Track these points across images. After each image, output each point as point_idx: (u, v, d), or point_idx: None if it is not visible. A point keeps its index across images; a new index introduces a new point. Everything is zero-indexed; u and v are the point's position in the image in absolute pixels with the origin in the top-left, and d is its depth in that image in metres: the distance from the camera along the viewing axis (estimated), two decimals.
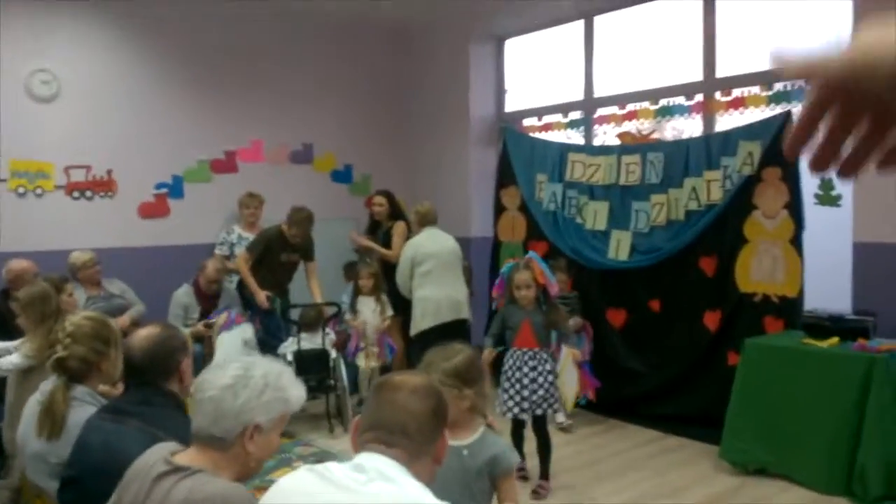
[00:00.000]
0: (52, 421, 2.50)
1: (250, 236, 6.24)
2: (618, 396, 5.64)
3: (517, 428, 4.30)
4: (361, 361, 5.75)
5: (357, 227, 7.26)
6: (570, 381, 4.97)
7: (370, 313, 5.81)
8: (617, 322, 5.85)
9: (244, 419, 1.81)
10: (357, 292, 5.90)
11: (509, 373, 4.24)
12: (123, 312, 5.51)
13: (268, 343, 5.59)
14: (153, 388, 2.35)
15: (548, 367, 4.23)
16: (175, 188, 6.74)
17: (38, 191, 6.10)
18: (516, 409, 4.19)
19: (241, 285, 5.94)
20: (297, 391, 1.93)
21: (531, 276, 4.23)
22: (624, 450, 5.02)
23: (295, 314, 5.91)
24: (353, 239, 6.82)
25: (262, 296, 5.72)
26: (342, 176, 7.72)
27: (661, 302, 5.59)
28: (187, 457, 1.82)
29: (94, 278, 5.60)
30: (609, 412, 5.66)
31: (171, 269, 6.16)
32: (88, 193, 6.31)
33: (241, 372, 1.86)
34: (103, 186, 6.38)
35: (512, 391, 4.21)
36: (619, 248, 5.80)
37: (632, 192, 5.77)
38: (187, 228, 6.67)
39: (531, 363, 4.20)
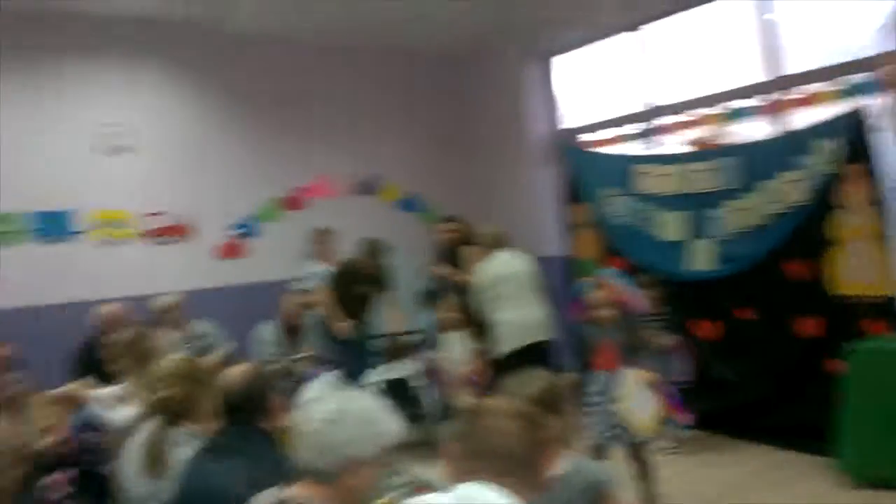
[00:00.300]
0: (155, 462, 2.56)
1: (325, 270, 6.33)
2: (715, 411, 5.44)
3: (601, 455, 3.98)
4: (450, 397, 5.47)
5: (427, 255, 7.28)
6: (642, 404, 4.30)
7: (456, 349, 5.58)
8: (703, 334, 5.68)
9: (347, 453, 1.81)
10: (441, 328, 5.70)
11: (593, 398, 4.06)
12: (210, 353, 5.63)
13: (352, 375, 5.62)
14: (250, 426, 2.38)
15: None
16: (250, 228, 6.90)
17: (121, 239, 6.32)
18: (607, 434, 3.96)
19: (321, 319, 6.00)
20: (396, 424, 1.93)
21: (606, 295, 4.11)
22: (732, 469, 4.80)
23: (378, 345, 5.93)
24: (435, 272, 6.55)
25: (341, 325, 5.75)
26: (409, 205, 7.78)
27: (751, 310, 5.40)
28: (295, 492, 1.83)
29: (179, 321, 5.74)
30: (707, 427, 5.44)
31: (253, 307, 6.28)
32: (169, 239, 6.51)
33: (343, 406, 1.87)
34: (181, 231, 6.58)
35: (598, 417, 4.00)
36: (699, 258, 5.66)
37: (706, 199, 5.63)
38: (265, 266, 6.81)
39: (615, 385, 4.02)
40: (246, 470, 2.11)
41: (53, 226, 6.04)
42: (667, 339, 5.12)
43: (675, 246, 5.84)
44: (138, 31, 6.34)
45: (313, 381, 5.33)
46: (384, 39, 7.19)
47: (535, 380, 2.38)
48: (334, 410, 1.86)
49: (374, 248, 5.89)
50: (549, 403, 2.29)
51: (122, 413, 3.53)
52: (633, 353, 4.14)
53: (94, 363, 4.66)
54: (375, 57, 7.54)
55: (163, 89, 6.61)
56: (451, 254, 6.57)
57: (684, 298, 5.71)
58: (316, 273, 6.46)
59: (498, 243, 5.83)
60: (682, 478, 4.66)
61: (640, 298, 4.21)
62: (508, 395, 2.30)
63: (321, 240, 6.65)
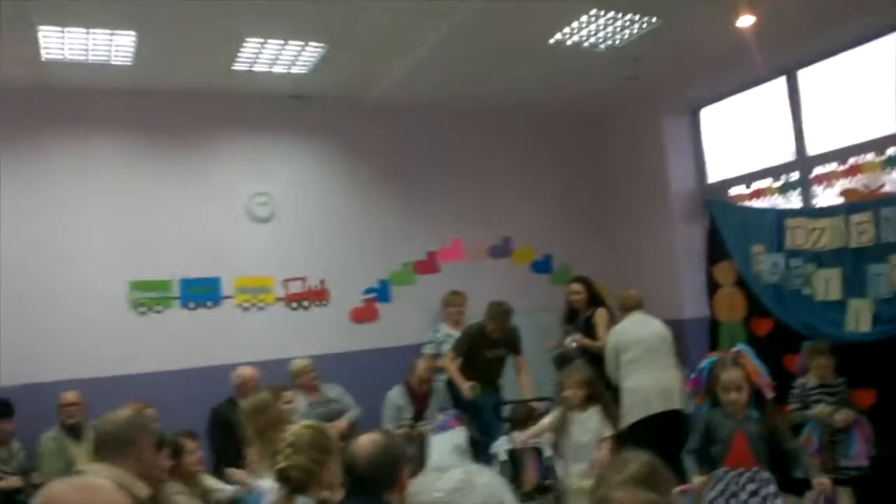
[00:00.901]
0: None
1: (457, 334, 6.27)
2: (873, 485, 4.85)
3: None
4: (571, 481, 4.76)
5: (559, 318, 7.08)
6: None
7: (580, 431, 4.66)
8: (865, 401, 5.12)
9: None
10: (565, 406, 4.74)
11: (721, 500, 3.45)
12: (341, 416, 5.65)
13: (479, 442, 5.45)
14: (375, 499, 2.29)
15: (771, 489, 3.43)
16: (382, 292, 6.97)
17: (261, 304, 6.53)
18: None
19: (450, 383, 5.91)
20: (512, 499, 1.80)
21: (742, 374, 3.51)
22: None
23: (507, 412, 5.76)
24: (578, 341, 6.09)
25: (465, 385, 5.64)
26: (542, 266, 7.63)
27: None
28: None
29: (312, 384, 5.81)
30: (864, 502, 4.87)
31: (384, 371, 6.29)
32: (305, 303, 6.68)
33: (466, 477, 1.76)
34: (318, 296, 6.73)
35: None
36: (860, 319, 5.14)
37: (866, 254, 5.14)
38: (396, 330, 6.83)
39: (750, 486, 3.41)
40: None
41: (201, 292, 6.34)
42: (841, 416, 4.51)
43: (832, 306, 5.35)
44: (285, 107, 6.66)
45: (440, 438, 5.23)
46: (520, 100, 7.19)
47: (626, 461, 1.96)
48: (461, 480, 1.75)
49: (499, 312, 5.76)
50: (647, 483, 1.81)
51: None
52: (770, 445, 3.52)
53: (228, 425, 4.75)
54: (510, 118, 7.55)
55: (303, 160, 6.88)
56: (578, 316, 6.34)
57: (843, 363, 5.19)
58: (447, 336, 6.41)
59: (629, 305, 5.62)
60: None
61: (767, 382, 3.60)
62: (598, 485, 1.98)
63: (452, 303, 6.61)
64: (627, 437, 4.81)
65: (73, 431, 5.22)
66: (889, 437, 4.89)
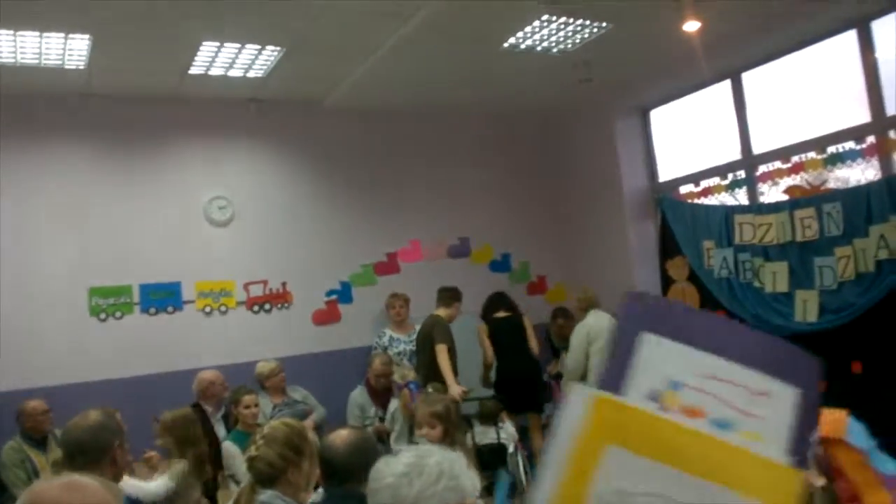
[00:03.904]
0: None
1: (400, 336, 6.42)
2: None
3: None
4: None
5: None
6: None
7: None
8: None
9: None
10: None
11: None
12: (307, 417, 5.68)
13: None
14: (352, 492, 2.35)
15: None
16: (344, 294, 7.01)
17: (223, 308, 6.52)
18: None
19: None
20: (471, 480, 1.87)
21: None
22: None
23: (475, 407, 5.83)
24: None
25: (457, 389, 5.57)
26: (501, 265, 7.75)
27: (863, 363, 5.07)
28: None
29: (278, 386, 5.84)
30: None
31: (347, 371, 6.35)
32: (267, 306, 6.69)
33: (416, 460, 1.82)
34: (280, 298, 6.74)
35: None
36: (807, 309, 5.37)
37: (811, 247, 5.39)
38: (358, 331, 6.87)
39: None
40: None
41: (162, 297, 6.30)
42: None
43: (780, 298, 5.58)
44: (242, 110, 6.66)
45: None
46: (476, 102, 7.29)
47: None
48: (410, 464, 1.81)
49: (459, 293, 5.91)
50: None
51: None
52: None
53: None
54: (467, 120, 7.65)
55: (262, 163, 6.89)
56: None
57: None
58: (391, 340, 6.51)
59: (589, 304, 5.81)
60: None
61: None
62: None
63: (394, 305, 6.65)
64: None
65: (37, 440, 5.10)
66: None
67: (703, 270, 6.24)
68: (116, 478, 2.72)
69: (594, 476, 0.96)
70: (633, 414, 0.96)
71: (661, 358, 0.97)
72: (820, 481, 1.00)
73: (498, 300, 6.45)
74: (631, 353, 0.99)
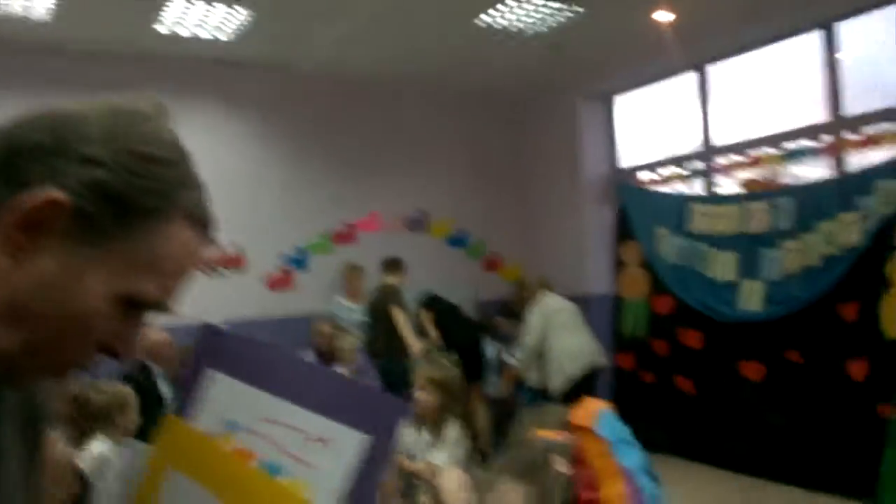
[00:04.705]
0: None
1: (354, 306, 6.51)
2: (759, 453, 5.31)
3: None
4: None
5: (475, 292, 7.35)
6: None
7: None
8: (753, 375, 5.54)
9: None
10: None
11: None
12: None
13: None
14: None
15: None
16: (300, 261, 6.98)
17: None
18: None
19: (390, 353, 5.90)
20: None
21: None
22: None
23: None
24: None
25: (418, 345, 5.73)
26: (458, 241, 7.80)
27: (801, 352, 5.26)
28: None
29: None
30: (750, 471, 5.31)
31: (299, 338, 6.33)
32: (221, 269, 6.62)
33: None
34: (234, 262, 6.68)
35: None
36: (752, 299, 5.54)
37: (760, 239, 5.54)
38: (312, 298, 6.86)
39: None
40: None
41: None
42: None
43: (727, 286, 5.74)
44: (201, 71, 6.55)
45: None
46: (445, 76, 7.28)
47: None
48: None
49: (399, 265, 6.12)
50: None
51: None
52: None
53: (140, 391, 4.70)
54: (431, 96, 7.63)
55: (225, 125, 6.77)
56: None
57: (735, 339, 5.60)
58: (343, 308, 6.59)
59: (545, 286, 5.89)
60: None
61: None
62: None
63: (350, 276, 6.72)
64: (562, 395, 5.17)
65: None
66: (775, 408, 5.32)
67: (655, 256, 6.37)
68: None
69: (156, 500, 0.93)
70: (198, 439, 0.93)
71: (225, 398, 0.92)
72: (563, 468, 1.02)
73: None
74: (198, 391, 0.94)
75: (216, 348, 0.96)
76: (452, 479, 1.91)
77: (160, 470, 0.93)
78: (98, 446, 3.18)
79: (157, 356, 5.31)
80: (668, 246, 6.22)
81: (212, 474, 0.90)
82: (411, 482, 3.13)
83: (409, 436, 3.30)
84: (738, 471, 5.39)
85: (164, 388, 5.03)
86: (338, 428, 0.85)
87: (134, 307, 0.76)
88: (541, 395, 5.54)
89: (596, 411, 1.04)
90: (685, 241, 6.08)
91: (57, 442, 1.89)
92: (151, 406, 4.22)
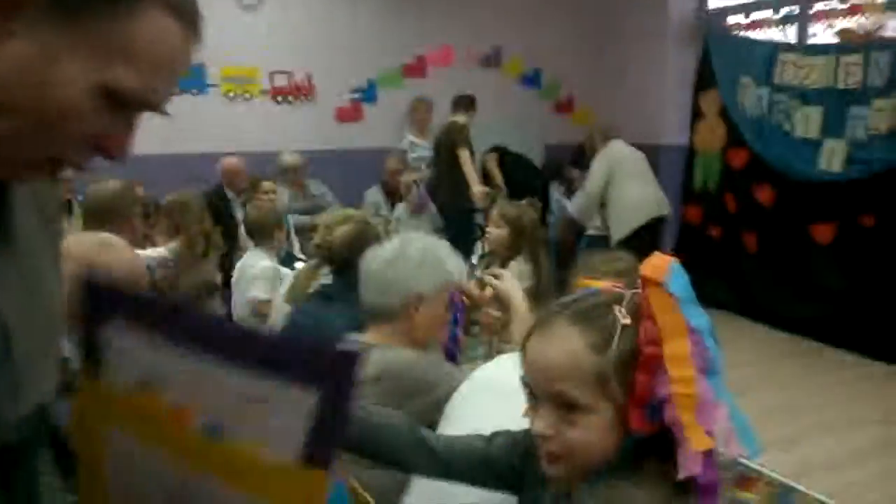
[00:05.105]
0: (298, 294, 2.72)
1: (422, 142, 6.46)
2: (818, 317, 5.28)
3: None
4: None
5: (544, 134, 7.24)
6: None
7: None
8: (822, 238, 5.41)
9: (405, 289, 1.87)
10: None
11: None
12: (321, 212, 5.82)
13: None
14: (353, 276, 2.47)
15: None
16: (369, 93, 6.94)
17: (246, 95, 6.50)
18: None
19: (452, 196, 5.85)
20: (455, 262, 1.97)
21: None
22: (824, 377, 4.70)
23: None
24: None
25: (480, 188, 5.68)
26: (531, 80, 7.59)
27: (875, 217, 5.07)
28: (365, 337, 1.92)
29: (299, 179, 5.94)
30: (808, 333, 5.32)
31: (364, 171, 6.42)
32: (291, 98, 6.65)
33: (400, 246, 1.92)
34: (304, 91, 6.69)
35: None
36: (833, 158, 5.31)
37: (851, 96, 5.21)
38: (380, 132, 6.88)
39: None
40: (347, 315, 2.19)
41: (186, 78, 6.23)
42: None
43: (808, 144, 5.49)
44: None
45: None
46: None
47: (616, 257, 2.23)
48: (395, 249, 1.92)
49: (470, 103, 5.90)
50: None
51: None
52: None
53: (217, 211, 4.90)
54: None
55: None
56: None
57: (808, 199, 5.44)
58: (411, 144, 6.57)
59: (611, 134, 5.70)
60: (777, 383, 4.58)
61: None
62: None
63: (418, 109, 6.65)
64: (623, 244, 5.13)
65: (63, 206, 5.30)
66: (848, 270, 5.22)
67: (736, 107, 6.09)
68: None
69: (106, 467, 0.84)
70: (124, 400, 0.82)
71: (138, 356, 0.81)
72: (626, 320, 0.98)
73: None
74: (102, 351, 0.82)
75: (112, 303, 0.84)
76: (515, 284, 1.99)
77: (96, 431, 0.84)
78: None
79: (232, 181, 5.51)
80: (751, 97, 5.93)
81: (152, 435, 0.80)
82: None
83: (479, 269, 3.44)
84: (796, 332, 5.40)
85: (238, 211, 5.24)
86: (277, 386, 0.74)
87: (117, 102, 0.75)
88: (601, 243, 5.54)
89: (668, 266, 0.98)
90: (770, 92, 5.78)
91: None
92: (227, 225, 4.51)
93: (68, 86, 0.71)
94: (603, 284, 1.09)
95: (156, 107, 0.80)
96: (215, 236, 3.99)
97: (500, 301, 2.01)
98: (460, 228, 5.67)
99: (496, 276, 2.01)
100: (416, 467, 1.32)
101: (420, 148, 6.52)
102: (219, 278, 3.99)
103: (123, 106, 0.77)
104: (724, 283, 5.93)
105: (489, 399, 1.63)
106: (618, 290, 1.06)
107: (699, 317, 0.98)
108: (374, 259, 1.93)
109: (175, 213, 3.93)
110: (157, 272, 3.25)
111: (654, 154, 5.89)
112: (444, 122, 6.21)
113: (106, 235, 1.96)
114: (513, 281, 1.99)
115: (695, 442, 0.93)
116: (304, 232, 5.23)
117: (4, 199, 0.84)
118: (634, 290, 1.02)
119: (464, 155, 5.76)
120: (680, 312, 0.96)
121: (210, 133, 6.22)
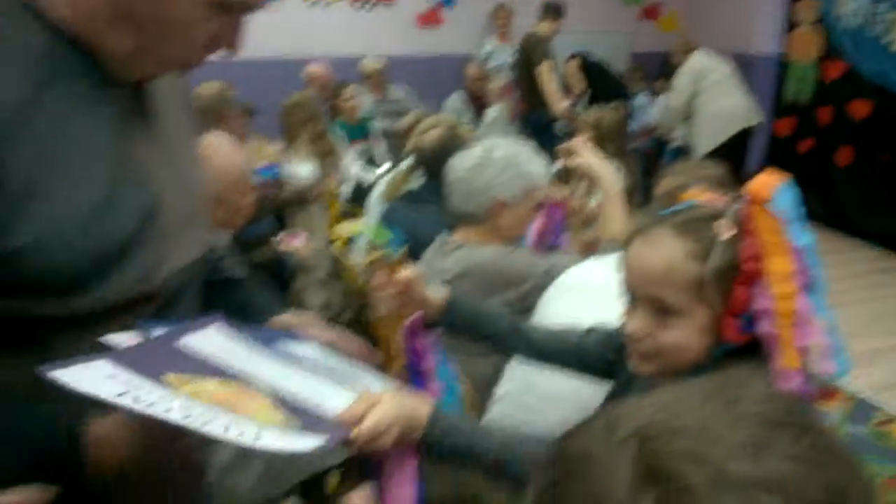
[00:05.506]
0: (392, 193, 2.85)
1: (504, 47, 6.35)
2: None
3: None
4: None
5: (630, 42, 7.03)
6: None
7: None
8: None
9: (491, 195, 1.92)
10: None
11: None
12: (404, 115, 5.85)
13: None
14: (439, 185, 2.54)
15: None
16: None
17: (326, 1, 6.49)
18: None
19: (534, 105, 5.72)
20: (537, 166, 2.00)
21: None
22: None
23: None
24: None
25: (562, 105, 5.54)
26: None
27: None
28: (455, 237, 2.00)
29: (381, 84, 5.96)
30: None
31: (444, 77, 6.40)
32: (371, 3, 6.60)
33: (484, 153, 1.96)
34: None
35: None
36: None
37: None
38: (459, 38, 6.80)
39: None
40: (437, 216, 2.27)
41: None
42: None
43: None
44: None
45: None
46: None
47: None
48: (478, 156, 1.96)
49: (556, 12, 5.64)
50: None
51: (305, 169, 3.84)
52: None
53: None
54: None
55: None
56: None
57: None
58: (492, 51, 6.47)
59: (694, 45, 5.46)
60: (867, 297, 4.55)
61: None
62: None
63: (499, 16, 6.51)
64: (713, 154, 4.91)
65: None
66: None
67: (833, 17, 5.78)
68: None
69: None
70: None
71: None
72: (731, 231, 0.96)
73: None
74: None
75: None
76: (600, 160, 2.00)
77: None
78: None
79: (316, 87, 5.57)
80: (850, 6, 5.61)
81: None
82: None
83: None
84: (886, 246, 5.29)
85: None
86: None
87: (223, 8, 0.90)
88: (685, 156, 5.44)
89: (775, 184, 0.97)
90: (871, 2, 5.46)
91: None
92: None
93: (182, 3, 0.87)
94: (706, 196, 1.09)
95: (254, 8, 0.94)
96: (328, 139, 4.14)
97: (589, 178, 2.03)
98: (541, 138, 5.61)
99: (571, 151, 1.99)
100: (516, 349, 1.41)
101: (500, 55, 6.42)
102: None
103: (229, 11, 0.91)
104: (814, 197, 5.77)
105: (576, 300, 1.69)
106: (720, 203, 1.06)
107: (804, 236, 0.97)
108: (459, 166, 1.99)
109: (297, 112, 4.07)
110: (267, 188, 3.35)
111: (744, 63, 5.68)
112: (529, 27, 6.07)
113: (210, 137, 2.07)
114: (597, 155, 1.99)
115: (786, 358, 0.95)
116: (388, 136, 5.32)
117: (145, 90, 0.99)
118: (737, 206, 1.01)
119: (544, 68, 5.61)
120: (785, 233, 0.95)
121: (293, 40, 6.25)
